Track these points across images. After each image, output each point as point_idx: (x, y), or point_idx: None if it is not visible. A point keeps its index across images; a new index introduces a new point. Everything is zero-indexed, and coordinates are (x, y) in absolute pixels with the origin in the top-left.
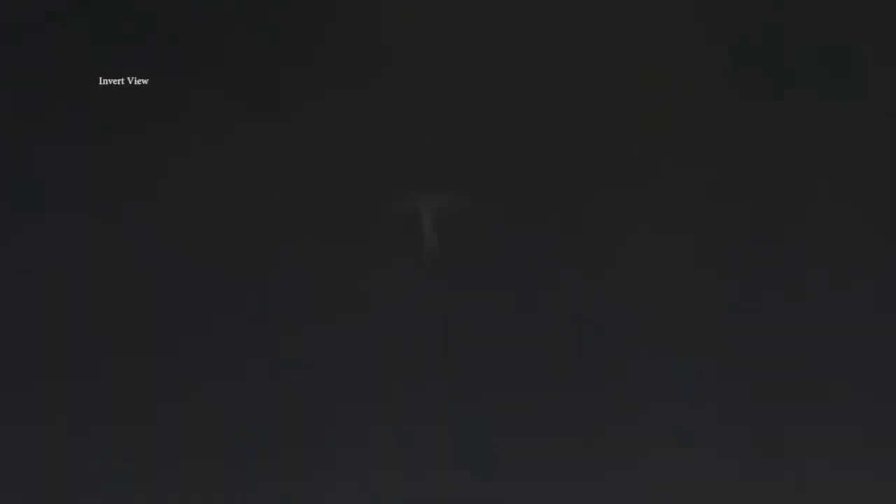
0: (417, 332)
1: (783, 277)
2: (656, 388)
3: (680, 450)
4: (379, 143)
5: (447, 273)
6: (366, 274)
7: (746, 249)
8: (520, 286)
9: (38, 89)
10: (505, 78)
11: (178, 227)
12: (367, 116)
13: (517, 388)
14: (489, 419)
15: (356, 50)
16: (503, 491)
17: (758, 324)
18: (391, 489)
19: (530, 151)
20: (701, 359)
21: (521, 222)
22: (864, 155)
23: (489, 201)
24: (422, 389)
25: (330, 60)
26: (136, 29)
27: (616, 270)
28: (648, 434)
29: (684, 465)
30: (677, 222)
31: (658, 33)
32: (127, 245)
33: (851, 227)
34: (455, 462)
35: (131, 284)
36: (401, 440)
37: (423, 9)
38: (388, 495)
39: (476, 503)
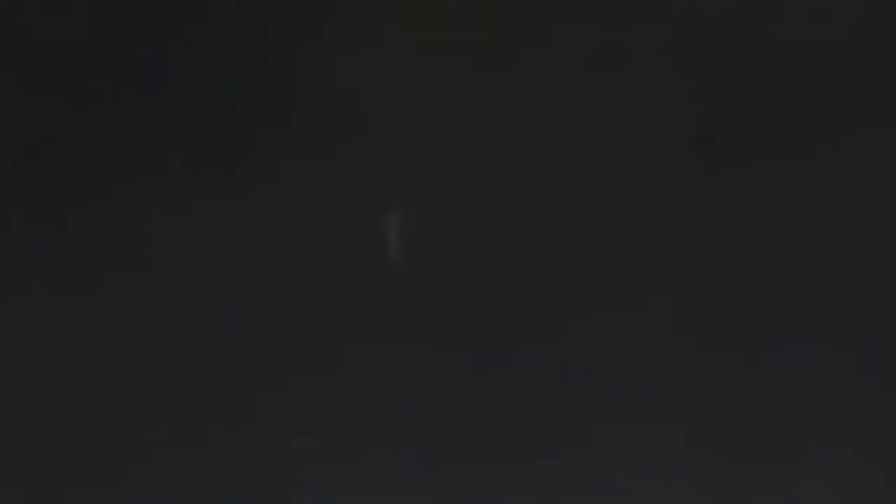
0: (385, 398)
1: (756, 345)
2: (624, 456)
3: None
4: (353, 212)
5: (418, 340)
6: (338, 339)
7: (719, 316)
8: (488, 353)
9: (12, 157)
10: (475, 145)
11: (153, 293)
12: (340, 183)
13: (485, 456)
14: (455, 485)
15: (331, 117)
16: None
17: (730, 392)
18: None
19: (499, 218)
20: (671, 426)
21: (489, 288)
22: (839, 223)
23: (458, 267)
24: (388, 456)
25: (304, 127)
26: (114, 94)
27: (584, 337)
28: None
29: None
30: (648, 289)
31: (631, 99)
32: (101, 311)
33: (826, 294)
34: None
35: (106, 351)
36: None
37: (400, 78)
38: None
39: None
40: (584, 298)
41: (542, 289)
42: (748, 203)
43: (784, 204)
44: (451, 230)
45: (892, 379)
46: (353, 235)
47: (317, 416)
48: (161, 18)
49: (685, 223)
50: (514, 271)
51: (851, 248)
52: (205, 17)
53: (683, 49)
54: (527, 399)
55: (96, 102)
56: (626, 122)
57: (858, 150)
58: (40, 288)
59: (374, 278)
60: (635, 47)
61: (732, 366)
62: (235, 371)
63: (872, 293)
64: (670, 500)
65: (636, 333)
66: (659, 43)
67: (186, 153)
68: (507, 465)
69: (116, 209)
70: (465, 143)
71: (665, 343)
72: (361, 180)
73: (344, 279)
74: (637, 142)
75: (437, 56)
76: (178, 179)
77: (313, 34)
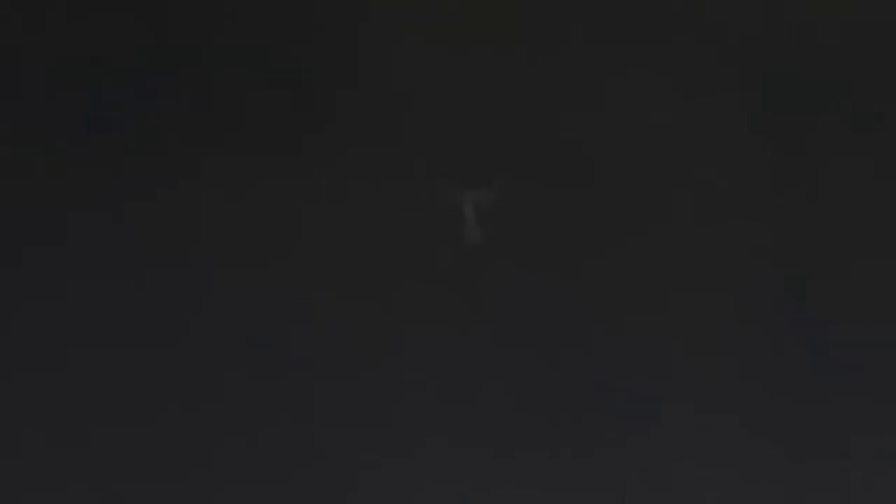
0: (437, 389)
1: (814, 337)
2: (680, 448)
3: None
4: (403, 200)
5: (473, 327)
6: (385, 331)
7: (777, 307)
8: (545, 344)
9: (57, 152)
10: (529, 134)
11: (201, 284)
12: (392, 172)
13: (540, 446)
14: (512, 477)
15: (380, 105)
16: None
17: (786, 382)
18: None
19: (553, 208)
20: (727, 416)
21: (545, 277)
22: None
23: (511, 258)
24: (445, 447)
25: (354, 116)
26: (160, 87)
27: (641, 327)
28: (671, 495)
29: None
30: (706, 279)
31: (686, 84)
32: (146, 302)
33: (887, 284)
34: None
35: (151, 341)
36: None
37: (448, 67)
38: None
39: None
40: (652, 282)
41: (612, 271)
42: (814, 190)
43: (849, 192)
44: (523, 213)
45: None
46: (425, 218)
47: (387, 398)
48: (226, 11)
49: (751, 207)
50: (585, 253)
51: None
52: (269, 12)
53: (752, 32)
54: (596, 382)
55: (155, 96)
56: (693, 107)
57: None
58: (99, 278)
59: (448, 260)
60: (704, 33)
61: (800, 351)
62: (311, 354)
63: None
64: (735, 486)
65: (705, 316)
66: (728, 24)
67: (258, 144)
68: (578, 448)
69: (196, 198)
70: (538, 128)
71: (733, 324)
72: (434, 166)
73: (417, 262)
74: (703, 127)
75: (503, 45)
76: (252, 169)
77: (380, 26)
